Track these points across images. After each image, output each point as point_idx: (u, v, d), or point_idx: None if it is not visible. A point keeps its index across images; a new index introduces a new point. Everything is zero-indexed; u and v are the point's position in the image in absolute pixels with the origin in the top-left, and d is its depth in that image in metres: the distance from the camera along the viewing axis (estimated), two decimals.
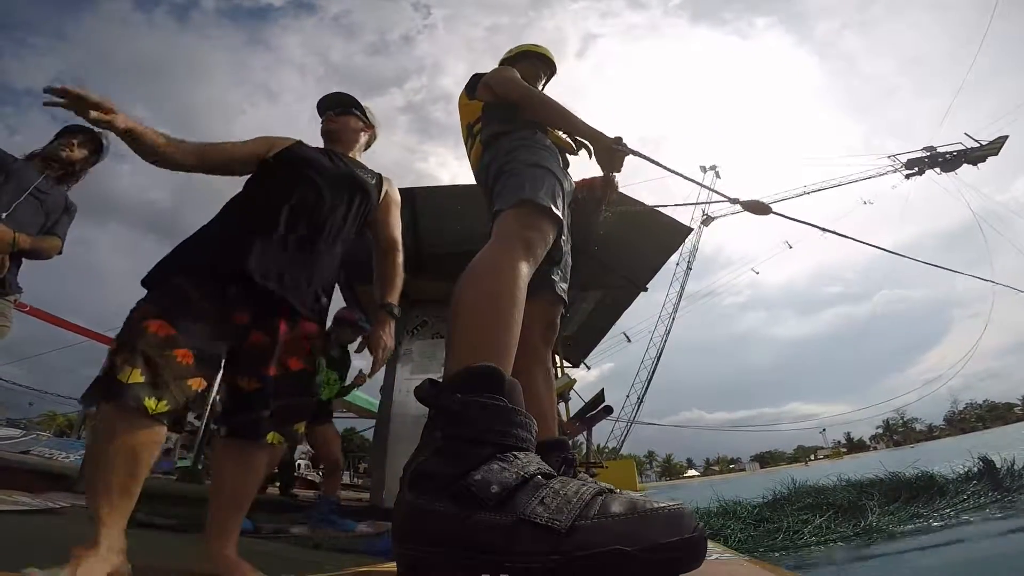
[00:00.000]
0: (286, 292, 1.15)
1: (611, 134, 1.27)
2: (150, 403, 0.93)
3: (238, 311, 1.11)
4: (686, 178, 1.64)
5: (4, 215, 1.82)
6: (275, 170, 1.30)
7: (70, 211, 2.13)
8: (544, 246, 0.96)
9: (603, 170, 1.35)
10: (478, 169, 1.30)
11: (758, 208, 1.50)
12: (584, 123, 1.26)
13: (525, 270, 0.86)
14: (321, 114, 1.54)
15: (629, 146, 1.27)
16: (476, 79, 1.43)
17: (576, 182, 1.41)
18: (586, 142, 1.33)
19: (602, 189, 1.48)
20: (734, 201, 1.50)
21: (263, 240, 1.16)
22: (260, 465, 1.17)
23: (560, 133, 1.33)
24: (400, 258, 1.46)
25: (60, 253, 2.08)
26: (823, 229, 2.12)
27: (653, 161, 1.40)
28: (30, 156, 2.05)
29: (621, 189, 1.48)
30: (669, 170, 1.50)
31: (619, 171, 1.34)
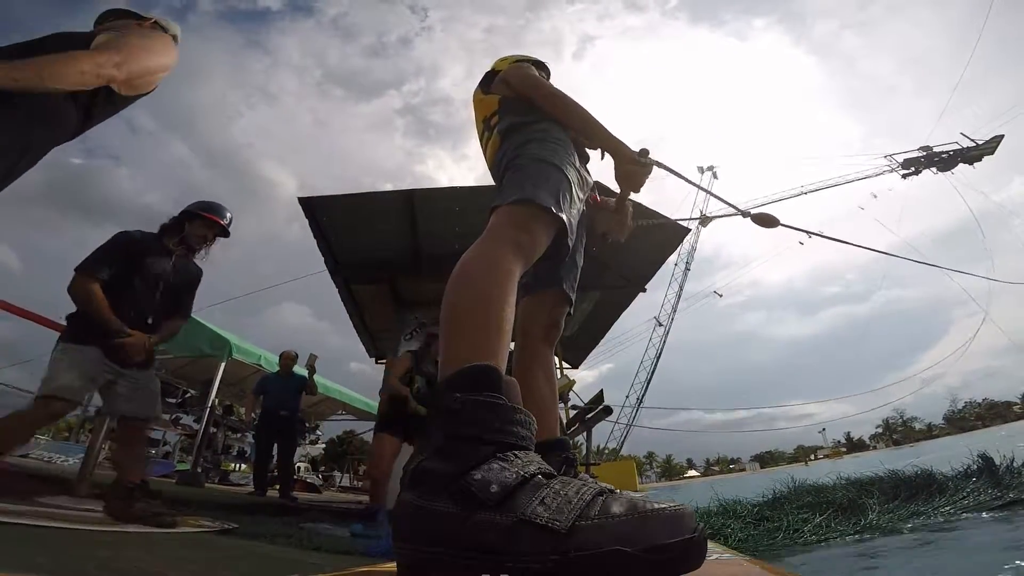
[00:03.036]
0: None
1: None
2: None
3: None
4: (709, 192, 1.64)
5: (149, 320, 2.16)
6: None
7: (192, 285, 2.35)
8: (536, 247, 0.93)
9: (621, 188, 1.25)
10: (493, 162, 1.25)
11: (767, 221, 1.47)
12: (606, 131, 1.20)
13: (515, 272, 0.85)
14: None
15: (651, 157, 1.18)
16: (491, 75, 1.40)
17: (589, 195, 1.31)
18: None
19: (613, 220, 1.36)
20: (745, 214, 1.44)
21: None
22: None
23: None
24: None
25: (186, 321, 2.37)
26: (827, 237, 2.14)
27: (679, 175, 1.35)
28: (163, 230, 2.25)
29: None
30: (693, 184, 1.45)
31: (638, 191, 1.23)
